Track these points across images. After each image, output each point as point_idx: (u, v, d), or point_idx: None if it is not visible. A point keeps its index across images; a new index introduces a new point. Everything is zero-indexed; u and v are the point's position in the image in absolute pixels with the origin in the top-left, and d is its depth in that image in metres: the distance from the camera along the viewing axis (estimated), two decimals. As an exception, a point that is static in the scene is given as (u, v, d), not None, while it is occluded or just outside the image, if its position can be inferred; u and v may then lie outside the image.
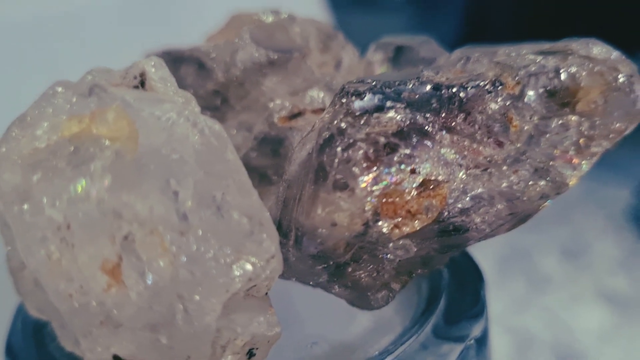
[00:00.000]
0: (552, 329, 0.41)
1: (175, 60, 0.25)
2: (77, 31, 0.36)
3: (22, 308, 0.23)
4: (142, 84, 0.20)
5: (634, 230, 0.49)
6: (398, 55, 0.25)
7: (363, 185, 0.19)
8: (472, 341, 0.23)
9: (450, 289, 0.24)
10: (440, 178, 0.20)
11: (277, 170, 0.23)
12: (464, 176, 0.20)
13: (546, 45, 0.21)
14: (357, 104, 0.20)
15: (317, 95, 0.24)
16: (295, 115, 0.24)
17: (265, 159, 0.24)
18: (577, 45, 0.21)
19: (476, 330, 0.23)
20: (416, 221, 0.20)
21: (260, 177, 0.24)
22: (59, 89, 0.19)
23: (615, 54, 0.21)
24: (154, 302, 0.17)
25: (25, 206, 0.18)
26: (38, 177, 0.18)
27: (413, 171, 0.20)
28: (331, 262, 0.20)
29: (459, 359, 0.22)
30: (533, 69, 0.20)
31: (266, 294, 0.20)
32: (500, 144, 0.20)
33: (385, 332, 0.23)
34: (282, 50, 0.24)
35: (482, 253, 0.26)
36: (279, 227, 0.21)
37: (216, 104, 0.24)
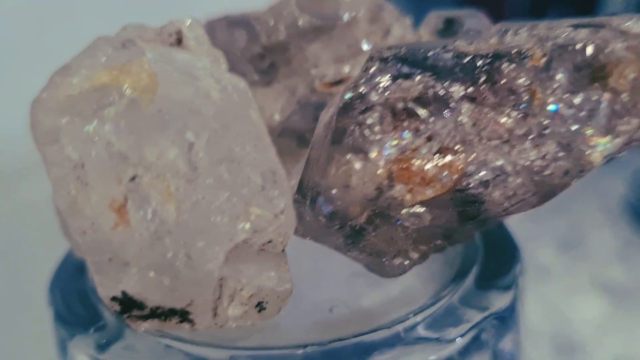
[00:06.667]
0: (550, 319, 0.41)
1: (231, 24, 0.26)
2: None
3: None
4: (179, 41, 0.21)
5: (629, 222, 0.49)
6: (447, 28, 0.24)
7: (378, 149, 0.19)
8: (499, 310, 0.22)
9: (483, 264, 0.24)
10: (457, 147, 0.20)
11: (314, 135, 0.24)
12: (483, 147, 0.20)
13: (587, 20, 0.20)
14: (381, 69, 0.20)
15: (362, 64, 0.24)
16: (337, 82, 0.24)
17: (306, 122, 0.24)
18: (619, 19, 0.20)
19: (502, 302, 0.22)
20: (429, 189, 0.20)
21: (298, 139, 0.24)
22: (100, 43, 0.21)
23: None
24: (156, 244, 0.18)
25: (54, 147, 0.19)
26: (66, 120, 0.19)
27: (430, 138, 0.20)
28: (346, 225, 0.20)
29: (481, 328, 0.22)
30: (561, 41, 0.19)
31: (283, 251, 0.21)
32: (522, 117, 0.20)
33: (409, 302, 0.23)
34: (327, 17, 0.24)
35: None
36: (300, 186, 0.21)
37: (264, 67, 0.25)
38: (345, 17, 0.24)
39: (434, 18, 0.25)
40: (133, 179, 0.18)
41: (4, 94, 0.37)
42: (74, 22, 0.39)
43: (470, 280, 0.23)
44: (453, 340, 0.21)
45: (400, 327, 0.21)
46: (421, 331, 0.22)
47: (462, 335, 0.21)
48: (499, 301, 0.23)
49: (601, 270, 0.45)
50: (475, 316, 0.22)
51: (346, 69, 0.24)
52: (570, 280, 0.44)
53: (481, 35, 0.22)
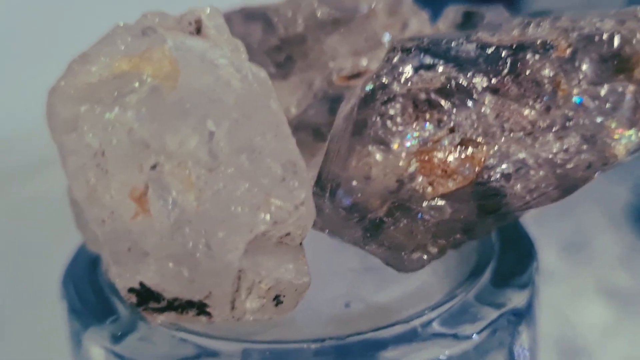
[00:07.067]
0: (554, 323, 0.40)
1: (247, 16, 0.25)
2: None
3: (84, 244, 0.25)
4: (198, 30, 0.21)
5: (633, 227, 0.48)
6: (466, 22, 0.24)
7: (399, 140, 0.19)
8: (515, 307, 0.22)
9: (499, 261, 0.23)
10: (479, 139, 0.19)
11: (331, 128, 0.24)
12: (505, 140, 0.20)
13: (613, 11, 0.20)
14: (403, 60, 0.20)
15: (380, 57, 0.24)
16: (355, 75, 0.24)
17: (322, 116, 0.24)
18: (645, 11, 0.20)
19: (518, 300, 0.22)
20: (451, 182, 0.19)
21: (314, 133, 0.24)
22: (119, 31, 0.20)
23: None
24: (176, 234, 0.18)
25: (73, 135, 0.19)
26: (85, 107, 0.19)
27: (452, 130, 0.19)
28: (365, 217, 0.20)
29: (497, 326, 0.22)
30: (586, 32, 0.19)
31: (301, 244, 0.21)
32: (546, 109, 0.19)
33: (425, 298, 0.23)
34: (345, 10, 0.24)
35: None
36: (319, 178, 0.21)
37: (280, 60, 0.25)
38: (364, 9, 0.24)
39: (453, 12, 0.25)
40: (154, 167, 0.18)
41: (12, 94, 0.37)
42: (76, 18, 0.38)
43: (486, 277, 0.23)
44: (469, 336, 0.21)
45: (417, 322, 0.21)
46: (437, 327, 0.21)
47: (478, 332, 0.21)
48: (515, 299, 0.22)
49: (605, 275, 0.45)
50: (492, 313, 0.22)
51: (364, 62, 0.24)
52: (575, 284, 0.44)
53: (502, 27, 0.21)
